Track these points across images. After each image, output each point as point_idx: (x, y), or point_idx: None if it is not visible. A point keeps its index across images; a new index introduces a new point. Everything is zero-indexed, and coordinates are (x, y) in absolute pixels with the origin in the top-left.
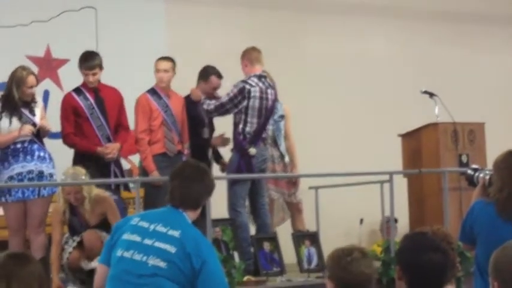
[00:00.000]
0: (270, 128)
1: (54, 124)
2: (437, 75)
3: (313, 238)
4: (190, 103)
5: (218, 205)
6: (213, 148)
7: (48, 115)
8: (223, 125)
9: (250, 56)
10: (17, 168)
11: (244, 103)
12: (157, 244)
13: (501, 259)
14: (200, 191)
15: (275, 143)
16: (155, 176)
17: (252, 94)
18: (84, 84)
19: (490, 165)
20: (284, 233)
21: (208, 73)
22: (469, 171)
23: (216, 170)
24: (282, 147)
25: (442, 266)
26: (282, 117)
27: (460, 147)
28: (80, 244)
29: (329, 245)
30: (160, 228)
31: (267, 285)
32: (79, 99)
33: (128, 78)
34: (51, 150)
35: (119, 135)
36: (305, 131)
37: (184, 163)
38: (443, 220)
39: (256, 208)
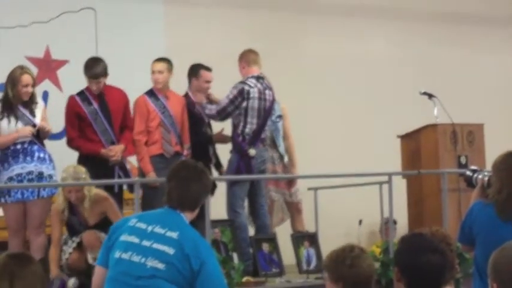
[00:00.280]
0: (268, 129)
1: (54, 125)
2: (437, 76)
3: (312, 239)
4: (190, 103)
5: (217, 206)
6: (215, 154)
7: (47, 116)
8: (223, 126)
9: (247, 58)
10: (17, 169)
11: (244, 104)
12: (156, 246)
13: (500, 260)
14: (198, 190)
15: (274, 144)
16: (152, 177)
17: (251, 95)
18: (89, 88)
19: (489, 166)
20: (283, 233)
21: (196, 69)
22: (468, 173)
23: (216, 170)
24: (281, 148)
25: (440, 267)
26: (280, 117)
27: (459, 148)
28: (79, 245)
29: (328, 246)
30: (159, 230)
31: (266, 286)
32: (82, 105)
33: (127, 80)
34: (53, 152)
35: (124, 136)
36: (304, 131)
37: (180, 163)
38: (442, 221)
39: (256, 209)
